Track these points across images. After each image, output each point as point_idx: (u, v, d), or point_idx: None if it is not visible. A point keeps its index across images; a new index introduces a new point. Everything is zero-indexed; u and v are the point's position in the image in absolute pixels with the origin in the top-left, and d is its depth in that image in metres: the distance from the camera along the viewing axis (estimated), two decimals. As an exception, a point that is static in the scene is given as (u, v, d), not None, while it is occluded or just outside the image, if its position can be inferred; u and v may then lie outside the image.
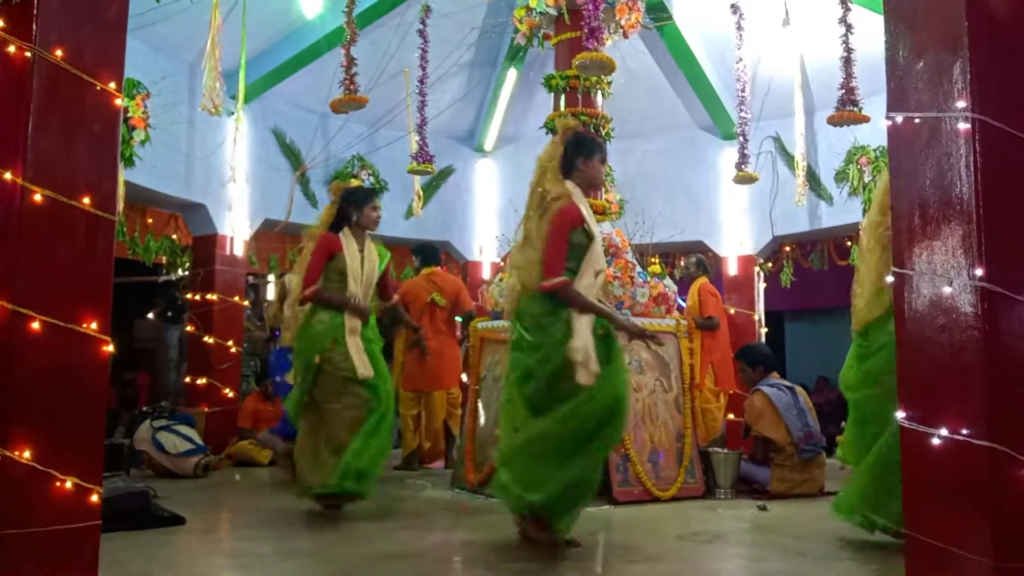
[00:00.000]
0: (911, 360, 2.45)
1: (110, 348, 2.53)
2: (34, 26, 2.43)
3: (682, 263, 8.01)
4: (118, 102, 2.64)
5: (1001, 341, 2.12)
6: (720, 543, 3.91)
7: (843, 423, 4.01)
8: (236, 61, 7.03)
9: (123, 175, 6.07)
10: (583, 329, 3.46)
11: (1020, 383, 2.10)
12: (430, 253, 7.03)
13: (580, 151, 3.73)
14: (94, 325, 2.49)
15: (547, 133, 6.22)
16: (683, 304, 6.81)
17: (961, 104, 2.22)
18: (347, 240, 4.58)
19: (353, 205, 4.64)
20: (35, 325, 2.37)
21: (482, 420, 5.51)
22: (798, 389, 5.56)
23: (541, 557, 3.49)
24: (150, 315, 11.25)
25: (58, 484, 2.36)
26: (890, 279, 2.54)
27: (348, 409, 4.36)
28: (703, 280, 7.08)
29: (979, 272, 2.14)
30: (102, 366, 2.53)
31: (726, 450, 5.53)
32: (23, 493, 2.31)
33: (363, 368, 4.37)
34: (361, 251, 4.61)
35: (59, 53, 2.48)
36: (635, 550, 3.72)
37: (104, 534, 2.52)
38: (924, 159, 2.39)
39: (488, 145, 9.71)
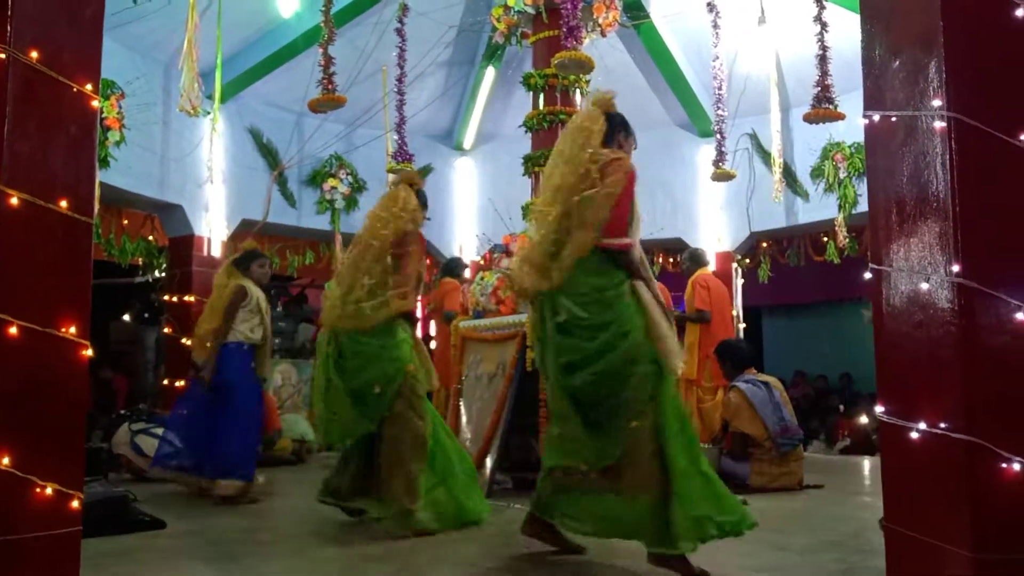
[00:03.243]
0: (889, 355, 2.48)
1: (89, 352, 2.50)
2: (8, 27, 2.39)
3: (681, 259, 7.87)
4: (95, 104, 2.61)
5: (978, 336, 2.15)
6: (702, 538, 3.94)
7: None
8: (212, 60, 6.98)
9: (98, 176, 5.99)
10: (655, 306, 3.16)
11: (996, 377, 2.14)
12: (446, 267, 7.57)
13: (624, 127, 3.43)
14: (73, 329, 2.46)
15: (526, 132, 6.24)
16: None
17: (937, 102, 2.25)
18: None
19: None
20: (12, 330, 2.34)
21: (464, 419, 5.52)
22: (773, 383, 5.60)
23: (526, 555, 3.50)
24: (126, 317, 11.15)
25: (38, 490, 2.33)
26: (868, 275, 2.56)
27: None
28: (699, 272, 6.86)
29: (956, 268, 2.17)
30: (81, 370, 2.50)
31: (706, 446, 5.57)
32: (3, 500, 2.28)
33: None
34: None
35: (34, 55, 2.44)
36: (619, 546, 3.74)
37: (84, 539, 2.49)
38: (901, 157, 2.42)
39: (467, 144, 9.71)
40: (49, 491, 2.35)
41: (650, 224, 8.19)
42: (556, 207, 3.19)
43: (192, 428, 5.21)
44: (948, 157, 2.21)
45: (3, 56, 2.38)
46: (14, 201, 2.37)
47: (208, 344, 5.20)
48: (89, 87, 2.58)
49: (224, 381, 5.11)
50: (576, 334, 3.13)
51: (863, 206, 7.55)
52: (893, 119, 2.46)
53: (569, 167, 3.24)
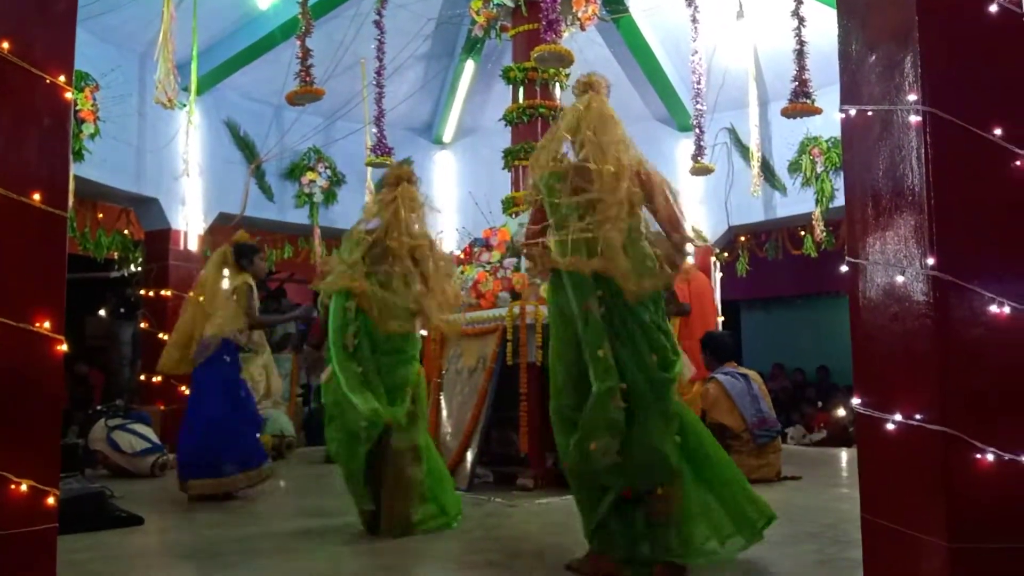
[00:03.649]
0: (865, 348, 2.51)
1: (64, 347, 2.47)
2: (-21, 18, 2.36)
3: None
4: (68, 96, 2.57)
5: (952, 328, 2.17)
6: (681, 530, 3.96)
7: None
8: (188, 52, 6.90)
9: (72, 169, 5.91)
10: None
11: (971, 369, 2.16)
12: None
13: None
14: (47, 324, 2.43)
15: (506, 125, 6.23)
16: None
17: (912, 97, 2.27)
18: None
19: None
20: (-14, 325, 2.31)
21: (444, 413, 5.51)
22: (752, 376, 5.65)
23: (505, 546, 3.51)
24: (101, 312, 11.03)
25: (13, 487, 2.30)
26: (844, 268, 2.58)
27: None
28: None
29: (930, 261, 2.19)
30: (56, 366, 2.47)
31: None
32: (-23, 497, 2.25)
33: None
34: None
35: (6, 46, 2.41)
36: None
37: (61, 536, 2.47)
38: (877, 151, 2.44)
39: (446, 137, 9.68)
40: (24, 487, 2.33)
41: (629, 218, 8.26)
42: (625, 200, 3.00)
43: (200, 427, 5.04)
44: (923, 151, 2.23)
45: (-26, 47, 2.34)
46: (-14, 194, 2.34)
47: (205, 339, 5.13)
48: (62, 78, 2.54)
49: (230, 374, 5.12)
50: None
51: (840, 200, 7.62)
52: (869, 114, 2.48)
53: (618, 158, 3.07)
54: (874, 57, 2.48)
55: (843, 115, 2.61)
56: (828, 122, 7.25)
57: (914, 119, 2.26)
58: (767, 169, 8.29)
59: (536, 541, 3.69)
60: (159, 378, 7.39)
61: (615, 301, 2.99)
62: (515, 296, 5.33)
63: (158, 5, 6.21)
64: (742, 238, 9.23)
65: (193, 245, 7.77)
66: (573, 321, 3.01)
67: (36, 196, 2.44)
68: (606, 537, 3.01)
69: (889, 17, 2.42)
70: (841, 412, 8.70)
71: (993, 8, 2.24)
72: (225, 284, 5.27)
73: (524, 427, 5.07)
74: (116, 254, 8.60)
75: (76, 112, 6.36)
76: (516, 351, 5.12)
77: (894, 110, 2.35)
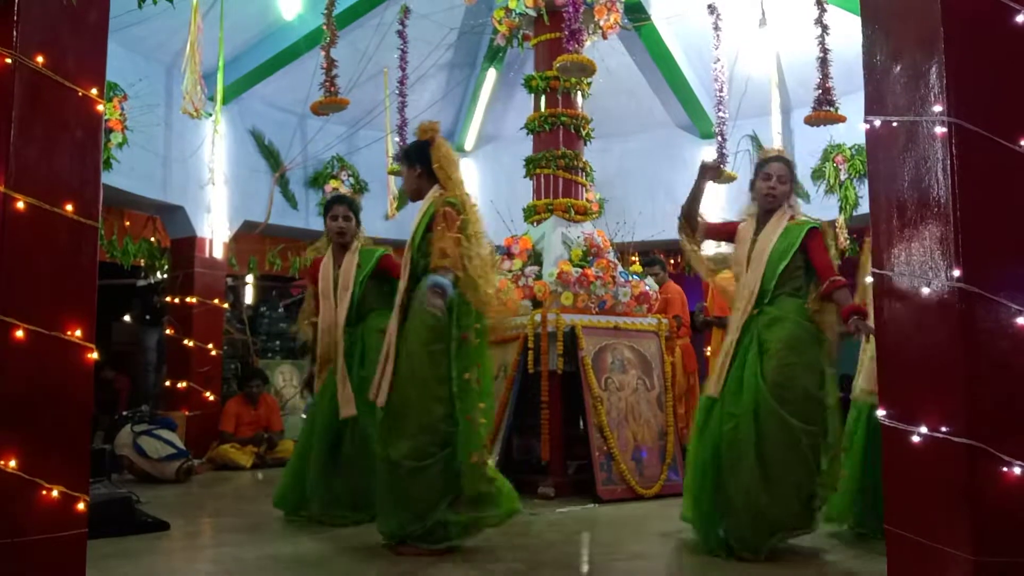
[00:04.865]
0: (891, 359, 2.49)
1: (95, 355, 2.52)
2: (15, 32, 2.41)
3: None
4: (100, 108, 2.62)
5: (978, 340, 2.16)
6: (704, 540, 3.95)
7: None
8: (214, 62, 6.99)
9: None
10: None
11: (997, 381, 2.15)
12: None
13: None
14: (78, 332, 2.47)
15: (528, 134, 6.25)
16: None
17: (937, 108, 2.26)
18: (325, 259, 4.64)
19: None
20: (19, 333, 2.35)
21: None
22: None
23: (526, 555, 3.52)
24: (127, 318, 11.17)
25: (44, 493, 2.35)
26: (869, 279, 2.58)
27: None
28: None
29: (956, 273, 2.18)
30: (87, 373, 2.51)
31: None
32: (9, 502, 2.29)
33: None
34: (338, 266, 4.54)
35: (40, 59, 2.46)
36: (619, 548, 3.76)
37: (89, 541, 2.51)
38: (902, 162, 2.43)
39: (468, 145, 9.72)
40: (55, 493, 2.37)
41: (651, 226, 8.25)
42: None
43: None
44: (949, 162, 2.22)
45: (9, 61, 2.39)
46: (20, 205, 2.38)
47: None
48: (94, 91, 2.60)
49: None
50: None
51: (864, 208, 7.57)
52: (894, 124, 2.47)
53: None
54: (899, 67, 2.47)
55: (868, 125, 2.60)
56: (852, 129, 7.18)
57: (939, 130, 2.25)
58: (790, 177, 8.24)
59: (558, 550, 3.69)
60: (184, 384, 7.49)
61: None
62: (536, 304, 5.34)
63: (185, 16, 6.29)
64: (765, 246, 9.17)
65: (219, 253, 7.86)
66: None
67: (68, 207, 2.49)
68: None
69: (914, 27, 2.41)
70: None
71: (1019, 18, 2.22)
72: None
73: (546, 435, 5.08)
74: (143, 261, 8.72)
75: (104, 122, 6.45)
76: (537, 359, 5.14)
77: (919, 121, 2.35)
